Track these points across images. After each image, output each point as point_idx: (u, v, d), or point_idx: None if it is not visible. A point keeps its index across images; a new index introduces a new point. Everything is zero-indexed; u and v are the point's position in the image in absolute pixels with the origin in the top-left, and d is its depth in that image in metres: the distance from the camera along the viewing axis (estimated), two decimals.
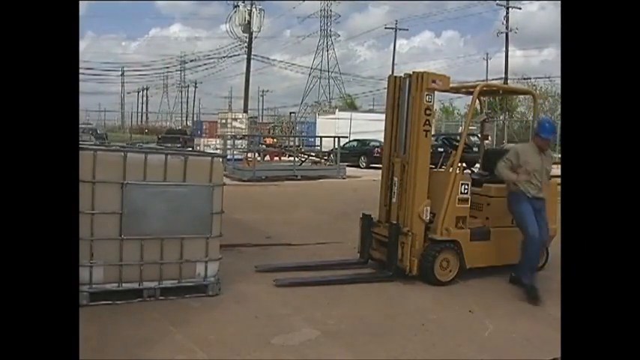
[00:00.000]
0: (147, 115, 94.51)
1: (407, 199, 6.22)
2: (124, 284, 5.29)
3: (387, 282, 6.01)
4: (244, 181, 16.94)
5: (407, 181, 6.25)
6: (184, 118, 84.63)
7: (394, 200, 6.36)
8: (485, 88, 7.18)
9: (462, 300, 5.69)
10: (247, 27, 34.58)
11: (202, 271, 5.61)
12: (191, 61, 74.03)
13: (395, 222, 6.30)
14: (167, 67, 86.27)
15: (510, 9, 42.43)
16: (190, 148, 23.39)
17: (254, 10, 34.54)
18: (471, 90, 6.79)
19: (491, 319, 5.30)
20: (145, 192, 5.30)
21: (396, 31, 53.22)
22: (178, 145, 29.43)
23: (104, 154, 5.32)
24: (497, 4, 44.07)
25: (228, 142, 23.20)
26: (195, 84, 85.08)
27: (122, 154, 5.32)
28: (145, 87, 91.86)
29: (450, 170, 6.35)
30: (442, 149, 7.28)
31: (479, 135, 8.47)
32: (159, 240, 5.39)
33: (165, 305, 5.30)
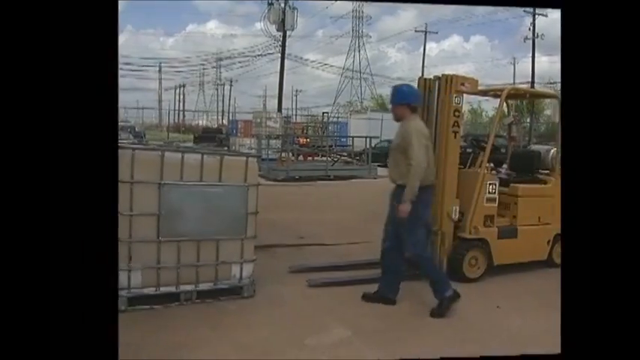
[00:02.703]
0: (183, 113, 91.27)
1: (436, 198, 6.15)
2: (161, 288, 5.18)
3: (417, 280, 5.97)
4: (278, 181, 16.84)
5: (436, 181, 6.17)
6: (220, 117, 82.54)
7: None
8: (512, 92, 7.17)
9: (489, 296, 5.69)
10: (281, 25, 33.32)
11: (237, 273, 5.52)
12: (227, 58, 73.18)
13: None
14: (203, 65, 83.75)
15: (536, 16, 41.71)
16: (226, 148, 22.90)
17: (287, 8, 33.33)
18: (499, 93, 6.82)
19: (518, 313, 5.29)
20: (182, 192, 5.17)
21: (425, 34, 52.96)
22: (214, 145, 28.72)
23: (142, 153, 5.18)
24: (523, 11, 43.85)
25: (263, 141, 22.77)
26: (231, 82, 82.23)
27: (160, 153, 5.19)
28: (181, 84, 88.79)
29: (479, 170, 6.34)
30: (471, 150, 7.24)
31: (506, 136, 8.58)
32: (195, 242, 5.28)
33: (201, 308, 5.22)
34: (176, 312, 5.10)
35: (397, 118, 5.57)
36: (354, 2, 71.19)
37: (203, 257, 5.33)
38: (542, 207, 6.40)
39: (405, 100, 5.50)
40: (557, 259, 6.49)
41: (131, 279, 4.98)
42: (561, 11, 3.88)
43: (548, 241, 6.62)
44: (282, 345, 4.51)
